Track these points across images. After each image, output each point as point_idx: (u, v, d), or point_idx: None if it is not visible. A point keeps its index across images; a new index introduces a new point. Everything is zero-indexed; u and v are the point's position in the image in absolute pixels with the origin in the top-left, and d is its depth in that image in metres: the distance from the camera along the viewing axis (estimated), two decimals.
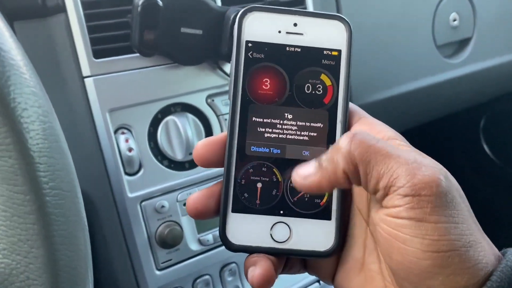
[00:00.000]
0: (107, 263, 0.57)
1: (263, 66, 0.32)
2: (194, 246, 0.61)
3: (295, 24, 0.32)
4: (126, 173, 0.57)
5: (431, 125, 1.13)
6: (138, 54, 0.57)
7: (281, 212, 0.31)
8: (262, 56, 0.32)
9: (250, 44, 0.32)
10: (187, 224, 0.60)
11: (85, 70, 0.56)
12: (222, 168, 0.32)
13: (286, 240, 0.31)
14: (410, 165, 0.26)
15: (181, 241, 0.59)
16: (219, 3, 0.63)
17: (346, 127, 0.32)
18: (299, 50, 0.32)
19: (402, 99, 0.89)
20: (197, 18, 0.58)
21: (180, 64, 0.60)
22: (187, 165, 0.61)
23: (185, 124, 0.60)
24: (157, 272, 0.59)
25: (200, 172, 0.61)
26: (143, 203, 0.58)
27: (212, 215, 0.32)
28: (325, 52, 0.32)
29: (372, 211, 0.28)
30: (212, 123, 0.63)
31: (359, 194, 0.31)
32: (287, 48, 0.32)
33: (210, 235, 0.62)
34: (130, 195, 0.57)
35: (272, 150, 0.32)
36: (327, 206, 0.31)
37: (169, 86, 0.60)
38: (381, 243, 0.28)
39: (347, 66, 0.32)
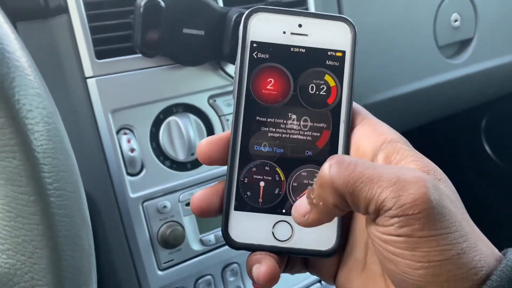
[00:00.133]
0: (109, 263, 0.57)
1: (267, 66, 0.32)
2: (196, 246, 0.61)
3: (299, 25, 0.33)
4: (128, 174, 0.58)
5: (432, 126, 1.13)
6: (140, 55, 0.57)
7: (284, 211, 0.32)
8: (267, 56, 0.32)
9: (255, 45, 0.32)
10: (189, 224, 0.60)
11: (88, 70, 0.56)
12: (225, 169, 0.32)
13: (288, 239, 0.31)
14: (394, 185, 0.25)
15: (183, 241, 0.59)
16: (221, 4, 0.63)
17: (349, 128, 0.32)
18: (303, 50, 0.32)
19: (403, 100, 0.89)
20: (199, 19, 0.58)
21: (182, 64, 0.60)
22: (189, 165, 0.61)
23: (187, 125, 0.60)
24: (159, 272, 0.59)
25: (202, 173, 0.62)
26: (145, 203, 0.58)
27: (216, 213, 0.32)
28: (329, 53, 0.33)
29: (366, 222, 0.28)
30: (214, 123, 0.63)
31: None
32: (292, 49, 0.32)
33: (212, 235, 0.62)
34: (132, 195, 0.57)
35: (275, 149, 0.32)
36: None
37: (171, 86, 0.60)
38: (376, 251, 0.28)
39: (351, 67, 0.33)
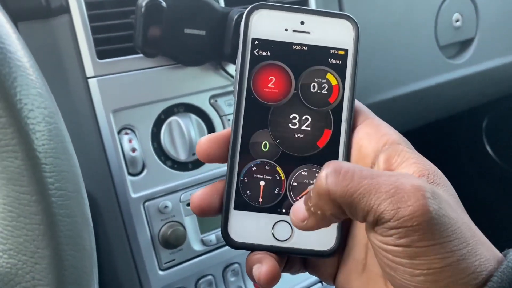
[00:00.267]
0: (110, 263, 0.57)
1: (268, 64, 0.32)
2: (197, 247, 0.61)
3: (302, 22, 0.32)
4: (130, 174, 0.58)
5: (434, 126, 1.13)
6: (141, 55, 0.57)
7: (283, 210, 0.31)
8: (268, 53, 0.32)
9: (256, 42, 0.32)
10: (190, 225, 0.60)
11: (89, 70, 0.56)
12: (225, 169, 0.32)
13: (288, 239, 0.31)
14: (392, 197, 0.25)
15: (184, 241, 0.59)
16: (222, 4, 0.63)
17: (351, 127, 0.32)
18: (305, 48, 0.32)
19: (404, 100, 0.89)
20: (201, 19, 0.58)
21: (183, 64, 0.60)
22: (190, 165, 0.61)
23: (188, 125, 0.60)
24: (160, 272, 0.59)
25: (203, 173, 0.62)
26: (146, 203, 0.58)
27: (216, 212, 0.32)
28: (331, 51, 0.32)
29: (366, 227, 0.28)
30: (215, 123, 0.63)
31: None
32: (293, 46, 0.32)
33: (213, 236, 0.62)
34: (133, 195, 0.57)
35: (276, 148, 0.32)
36: None
37: (172, 86, 0.60)
38: (375, 256, 0.28)
39: (353, 66, 0.32)
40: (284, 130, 0.32)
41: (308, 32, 0.32)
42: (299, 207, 0.28)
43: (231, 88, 0.64)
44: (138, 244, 0.57)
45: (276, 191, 0.32)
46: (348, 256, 0.32)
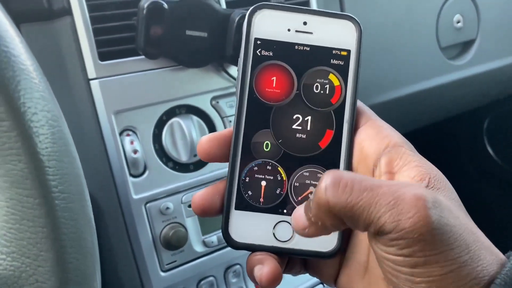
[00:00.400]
0: (112, 265, 0.57)
1: (271, 64, 0.32)
2: (199, 248, 0.61)
3: (304, 23, 0.32)
4: (131, 175, 0.58)
5: (435, 127, 1.13)
6: (143, 57, 0.58)
7: (285, 211, 0.31)
8: (271, 54, 0.32)
9: (258, 42, 0.32)
10: (192, 226, 0.61)
11: (91, 72, 0.56)
12: (227, 170, 0.32)
13: (289, 240, 0.31)
14: (392, 209, 0.25)
15: (185, 242, 0.59)
16: (223, 5, 0.63)
17: (353, 128, 0.32)
18: (308, 49, 0.32)
19: (405, 101, 0.89)
20: (202, 20, 0.59)
21: (185, 66, 0.61)
22: (192, 167, 0.61)
23: (190, 126, 0.60)
24: (162, 274, 0.59)
25: (205, 174, 0.62)
26: (148, 204, 0.58)
27: (217, 212, 0.31)
28: (334, 51, 0.32)
29: (367, 235, 0.28)
30: (217, 125, 0.63)
31: None
32: (296, 47, 0.32)
33: (215, 237, 0.62)
34: (135, 196, 0.57)
35: (278, 148, 0.32)
36: None
37: (174, 88, 0.60)
38: (377, 260, 0.28)
39: (356, 67, 0.32)
40: (286, 130, 0.32)
41: (311, 33, 0.32)
42: (299, 215, 0.28)
43: (232, 90, 0.64)
44: (139, 245, 0.57)
45: (278, 192, 0.31)
46: (350, 258, 0.32)
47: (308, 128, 0.32)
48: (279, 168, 0.32)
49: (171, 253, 0.59)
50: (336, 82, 0.32)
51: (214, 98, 0.63)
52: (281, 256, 0.31)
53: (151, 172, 0.59)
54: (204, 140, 0.31)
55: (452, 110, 1.08)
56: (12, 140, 0.26)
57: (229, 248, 0.66)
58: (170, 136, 0.60)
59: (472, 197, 1.26)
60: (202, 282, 0.62)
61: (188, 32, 0.58)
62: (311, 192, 0.31)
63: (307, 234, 0.28)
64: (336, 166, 0.32)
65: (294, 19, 0.32)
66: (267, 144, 0.32)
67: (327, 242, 0.31)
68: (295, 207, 0.31)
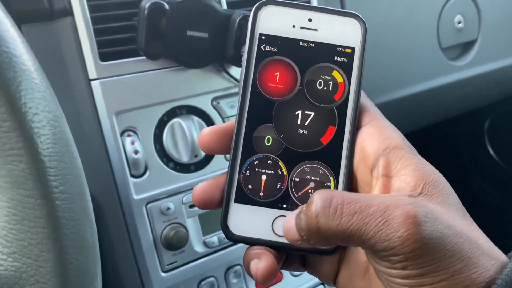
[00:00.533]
0: (112, 265, 0.57)
1: (275, 59, 0.32)
2: (199, 248, 0.61)
3: (309, 20, 0.32)
4: (132, 175, 0.58)
5: (436, 127, 1.13)
6: (144, 57, 0.58)
7: (284, 206, 0.31)
8: (275, 49, 0.32)
9: (263, 37, 0.32)
10: (193, 226, 0.61)
11: (92, 73, 0.56)
12: (228, 163, 0.32)
13: None
14: (381, 230, 0.25)
15: (186, 243, 0.59)
16: (224, 6, 0.63)
17: (355, 125, 0.32)
18: (312, 45, 0.32)
19: (406, 102, 0.89)
20: (203, 21, 0.59)
21: (186, 67, 0.61)
22: (193, 167, 0.61)
23: (191, 127, 0.60)
24: (163, 274, 0.59)
25: (205, 174, 0.62)
26: (148, 205, 0.58)
27: (218, 205, 0.31)
28: (338, 49, 0.32)
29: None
30: None
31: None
32: (300, 43, 0.32)
33: (215, 237, 0.62)
34: (136, 197, 0.57)
35: (279, 143, 0.32)
36: None
37: (175, 88, 0.60)
38: (373, 268, 0.28)
39: (360, 64, 0.32)
40: (288, 126, 0.32)
41: (316, 30, 0.32)
42: (291, 227, 0.28)
43: (233, 90, 0.64)
44: (140, 245, 0.57)
45: (278, 186, 0.31)
46: (350, 258, 0.32)
47: (310, 124, 0.32)
48: (280, 163, 0.32)
49: (172, 253, 0.59)
50: (339, 79, 0.32)
51: (215, 98, 0.63)
52: (279, 251, 0.31)
53: (152, 173, 0.59)
54: (205, 132, 0.32)
55: (453, 111, 1.08)
56: (13, 141, 0.26)
57: (230, 249, 0.66)
58: (171, 136, 0.60)
59: (472, 197, 1.26)
60: (203, 282, 0.62)
61: (189, 33, 0.58)
62: (311, 188, 0.31)
63: (299, 245, 0.28)
64: (337, 162, 0.32)
65: (299, 16, 0.32)
66: (268, 138, 0.32)
67: None
68: (295, 202, 0.31)
